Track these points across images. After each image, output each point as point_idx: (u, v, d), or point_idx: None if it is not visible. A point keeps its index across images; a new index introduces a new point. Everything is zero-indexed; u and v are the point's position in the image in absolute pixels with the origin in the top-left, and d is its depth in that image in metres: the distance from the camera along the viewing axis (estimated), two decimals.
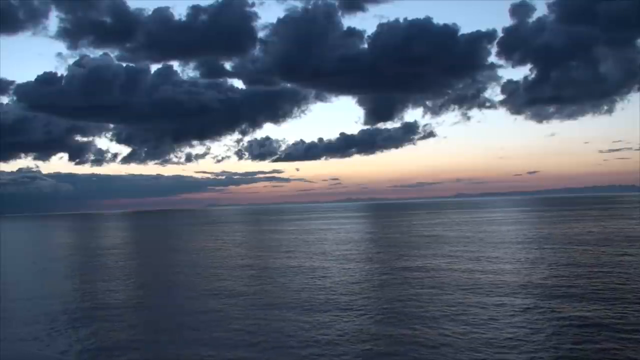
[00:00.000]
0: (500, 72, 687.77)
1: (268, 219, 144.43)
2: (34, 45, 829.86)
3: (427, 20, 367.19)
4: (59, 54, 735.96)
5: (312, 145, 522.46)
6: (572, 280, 26.64)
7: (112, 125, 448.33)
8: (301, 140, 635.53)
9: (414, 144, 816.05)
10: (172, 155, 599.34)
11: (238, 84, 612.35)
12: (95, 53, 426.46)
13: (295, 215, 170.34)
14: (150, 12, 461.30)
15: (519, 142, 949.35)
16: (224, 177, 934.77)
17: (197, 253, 49.48)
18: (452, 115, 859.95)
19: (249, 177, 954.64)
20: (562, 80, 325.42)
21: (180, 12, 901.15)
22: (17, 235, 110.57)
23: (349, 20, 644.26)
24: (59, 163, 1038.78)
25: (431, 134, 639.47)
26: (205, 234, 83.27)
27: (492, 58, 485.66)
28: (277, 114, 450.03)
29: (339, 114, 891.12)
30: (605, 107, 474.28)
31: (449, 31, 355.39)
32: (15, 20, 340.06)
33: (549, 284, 25.94)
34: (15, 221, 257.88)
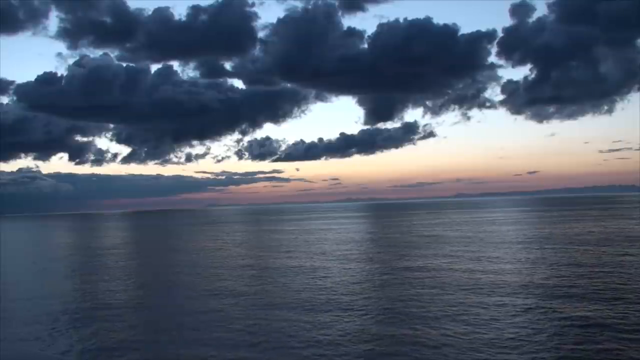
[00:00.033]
0: (500, 72, 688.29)
1: (268, 219, 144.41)
2: (34, 45, 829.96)
3: (427, 20, 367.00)
4: (59, 54, 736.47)
5: (312, 145, 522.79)
6: (573, 280, 26.62)
7: (112, 125, 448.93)
8: (301, 140, 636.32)
9: (414, 144, 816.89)
10: (172, 155, 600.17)
11: (238, 84, 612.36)
12: (95, 53, 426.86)
13: (296, 215, 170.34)
14: (150, 12, 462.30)
15: (519, 142, 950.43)
16: (224, 177, 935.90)
17: (197, 253, 49.46)
18: (452, 115, 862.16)
19: (249, 177, 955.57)
20: (562, 80, 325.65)
21: (180, 12, 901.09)
22: (17, 235, 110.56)
23: (349, 20, 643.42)
24: (59, 163, 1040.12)
25: (431, 134, 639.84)
26: (206, 234, 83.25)
27: (492, 58, 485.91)
28: (277, 114, 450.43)
29: (339, 114, 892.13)
30: (605, 107, 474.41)
31: (449, 31, 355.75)
32: (15, 20, 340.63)
33: (550, 284, 25.92)
34: (15, 221, 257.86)
